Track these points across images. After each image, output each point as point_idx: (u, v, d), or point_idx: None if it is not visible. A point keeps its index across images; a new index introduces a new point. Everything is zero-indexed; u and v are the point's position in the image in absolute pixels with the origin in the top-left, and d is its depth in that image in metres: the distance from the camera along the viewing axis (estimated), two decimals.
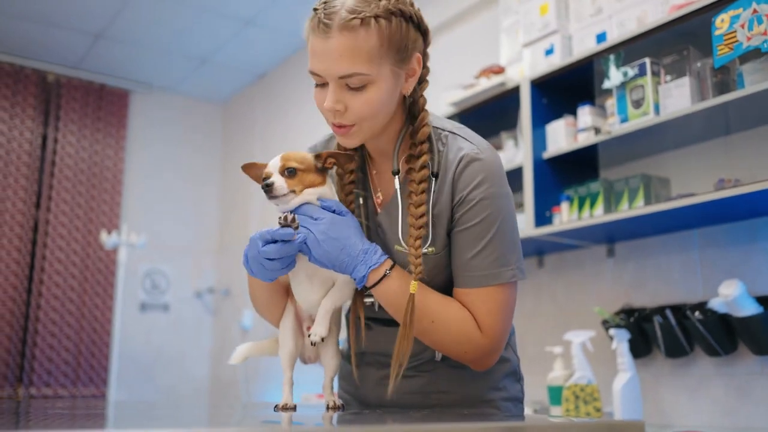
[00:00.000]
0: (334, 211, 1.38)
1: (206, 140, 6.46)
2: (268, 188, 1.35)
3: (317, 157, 1.41)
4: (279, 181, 1.36)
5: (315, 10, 1.33)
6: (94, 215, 5.71)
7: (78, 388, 5.43)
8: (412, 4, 1.36)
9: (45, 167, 5.64)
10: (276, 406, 1.38)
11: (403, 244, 1.41)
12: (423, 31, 1.39)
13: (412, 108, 1.46)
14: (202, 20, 5.03)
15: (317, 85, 1.37)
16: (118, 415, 1.36)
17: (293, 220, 1.32)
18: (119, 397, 5.19)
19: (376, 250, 1.39)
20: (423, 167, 1.39)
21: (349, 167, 1.50)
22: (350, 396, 1.62)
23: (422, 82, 1.44)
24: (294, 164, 1.37)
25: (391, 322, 1.47)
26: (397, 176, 1.43)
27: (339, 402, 1.46)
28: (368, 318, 1.52)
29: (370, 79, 1.32)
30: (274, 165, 1.39)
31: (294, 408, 1.39)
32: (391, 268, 1.38)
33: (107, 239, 5.20)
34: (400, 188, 1.42)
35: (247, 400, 5.28)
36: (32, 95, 5.67)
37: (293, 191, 1.36)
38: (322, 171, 1.42)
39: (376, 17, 1.29)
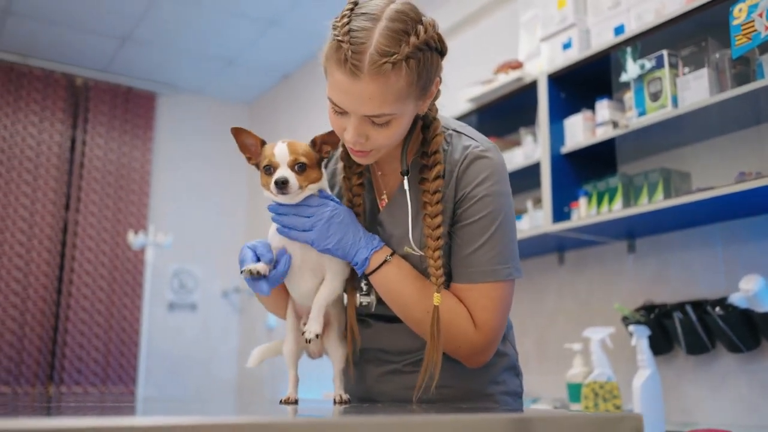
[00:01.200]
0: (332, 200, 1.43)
1: (232, 141, 6.46)
2: (284, 186, 1.34)
3: (312, 143, 1.41)
4: (293, 179, 1.35)
5: (339, 41, 1.26)
6: (122, 216, 5.79)
7: (107, 386, 5.50)
8: (433, 26, 1.32)
9: (74, 169, 5.72)
10: (280, 400, 1.40)
11: (413, 245, 1.40)
12: (443, 54, 1.35)
13: (423, 115, 1.45)
14: (226, 22, 5.07)
15: (336, 111, 1.34)
16: (144, 408, 1.38)
17: (258, 271, 1.36)
18: (147, 395, 5.25)
19: (375, 236, 1.42)
20: (437, 177, 1.39)
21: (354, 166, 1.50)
22: (349, 393, 1.61)
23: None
24: (304, 159, 1.37)
25: (391, 319, 1.47)
26: (406, 177, 1.42)
27: (346, 396, 1.47)
28: (367, 315, 1.52)
29: (395, 117, 1.30)
30: (281, 156, 1.37)
31: (296, 401, 1.40)
32: (392, 255, 1.41)
33: (134, 239, 5.27)
34: (409, 189, 1.41)
35: (272, 397, 5.31)
36: (61, 99, 5.76)
37: (301, 187, 1.37)
38: (319, 162, 1.42)
39: (407, 59, 1.25)
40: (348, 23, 1.26)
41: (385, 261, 1.39)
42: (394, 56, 1.24)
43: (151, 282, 5.47)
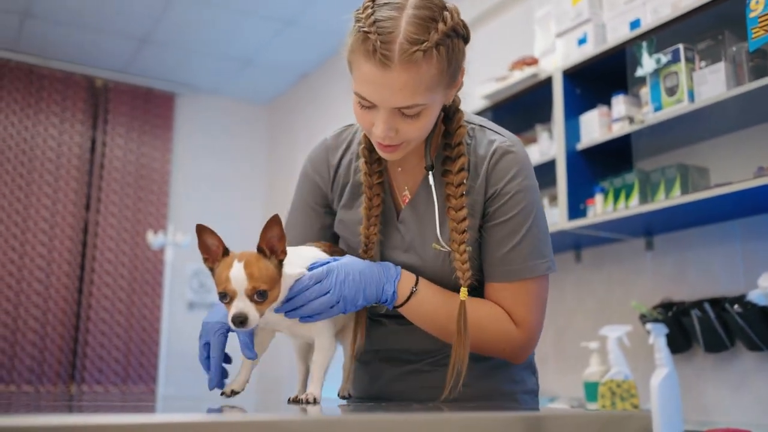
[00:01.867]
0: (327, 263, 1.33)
1: (251, 141, 6.53)
2: (242, 324, 1.18)
3: (262, 252, 1.22)
4: (252, 313, 1.19)
5: (366, 32, 1.22)
6: (141, 216, 5.83)
7: (128, 385, 5.54)
8: (458, 12, 1.28)
9: (94, 170, 5.77)
10: (288, 399, 1.38)
11: (442, 241, 1.37)
12: (467, 41, 1.31)
13: (445, 107, 1.41)
14: (243, 22, 5.08)
15: (362, 106, 1.28)
16: (163, 405, 1.39)
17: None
18: (167, 393, 5.28)
19: (388, 264, 1.38)
20: (461, 169, 1.36)
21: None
22: (363, 392, 1.59)
23: None
24: (264, 286, 1.19)
25: (406, 319, 1.46)
26: (431, 172, 1.39)
27: (350, 391, 1.46)
28: (381, 315, 1.50)
29: (425, 107, 1.26)
30: (238, 281, 1.18)
31: (315, 401, 1.37)
32: (416, 283, 1.36)
33: (153, 239, 5.30)
34: (435, 184, 1.38)
35: (290, 395, 5.29)
36: (81, 100, 5.81)
37: (262, 314, 1.21)
38: (280, 268, 1.24)
39: (437, 45, 1.21)
40: (372, 13, 1.22)
41: (412, 292, 1.36)
42: (425, 44, 1.20)
43: (171, 281, 5.50)
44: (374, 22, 1.21)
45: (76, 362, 5.48)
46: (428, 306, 1.37)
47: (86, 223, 5.68)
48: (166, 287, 5.48)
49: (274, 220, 1.21)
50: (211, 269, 1.24)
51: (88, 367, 5.45)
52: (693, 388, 2.70)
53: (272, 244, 1.22)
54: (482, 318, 1.36)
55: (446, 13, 1.24)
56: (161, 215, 5.90)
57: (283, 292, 1.25)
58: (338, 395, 1.45)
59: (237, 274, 1.18)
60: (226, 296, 1.20)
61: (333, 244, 1.49)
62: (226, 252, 1.23)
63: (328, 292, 1.27)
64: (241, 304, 1.18)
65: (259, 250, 1.22)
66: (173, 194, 6.09)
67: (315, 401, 1.26)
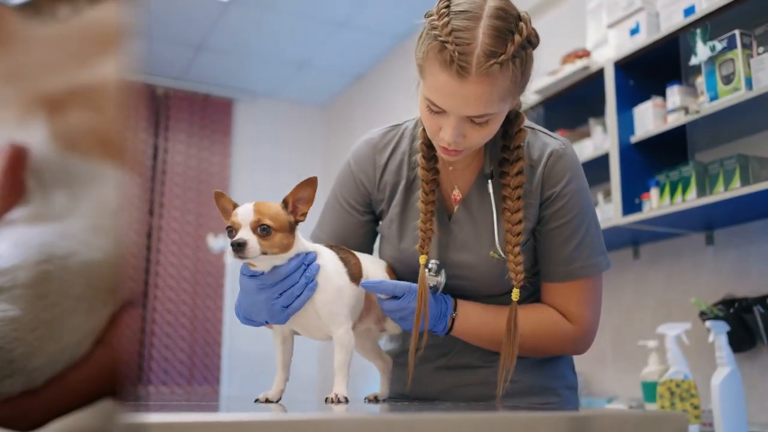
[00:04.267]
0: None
1: (309, 143, 6.59)
2: (240, 248, 1.19)
3: (284, 204, 1.27)
4: (252, 242, 1.20)
5: (443, 42, 1.21)
6: (203, 220, 5.94)
7: (193, 386, 5.66)
8: (530, 20, 1.28)
9: (156, 176, 5.91)
10: (326, 398, 1.35)
11: (499, 249, 1.38)
12: (536, 46, 1.31)
13: None
14: (297, 25, 5.13)
15: (432, 111, 1.29)
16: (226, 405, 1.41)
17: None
18: (231, 394, 5.36)
19: (439, 301, 1.40)
20: (519, 173, 1.37)
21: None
22: (398, 395, 1.59)
23: None
24: (268, 221, 1.22)
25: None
26: (490, 180, 1.40)
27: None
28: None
29: (495, 115, 1.28)
30: (244, 215, 1.23)
31: (346, 400, 1.35)
32: (454, 309, 1.41)
33: (214, 242, 5.39)
34: (493, 191, 1.39)
35: (353, 396, 5.30)
36: (144, 108, 5.96)
37: (265, 253, 1.22)
38: (293, 227, 1.26)
39: (513, 58, 1.22)
40: (449, 22, 1.22)
41: (453, 318, 1.40)
42: (502, 56, 1.20)
43: (232, 284, 5.58)
44: (451, 31, 1.21)
45: (142, 364, 5.62)
46: (474, 323, 1.41)
47: (150, 228, 5.82)
48: (228, 289, 5.58)
49: (311, 182, 1.25)
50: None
51: (154, 368, 5.58)
52: (757, 389, 2.59)
53: (297, 203, 1.26)
54: (535, 327, 1.40)
55: (521, 24, 1.24)
56: (222, 219, 6.00)
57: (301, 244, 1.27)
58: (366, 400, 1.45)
59: (244, 210, 1.23)
60: (231, 230, 1.23)
61: (351, 251, 1.46)
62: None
63: (405, 308, 1.35)
64: (242, 232, 1.21)
65: (284, 201, 1.26)
66: (233, 197, 6.06)
67: (346, 400, 1.26)
